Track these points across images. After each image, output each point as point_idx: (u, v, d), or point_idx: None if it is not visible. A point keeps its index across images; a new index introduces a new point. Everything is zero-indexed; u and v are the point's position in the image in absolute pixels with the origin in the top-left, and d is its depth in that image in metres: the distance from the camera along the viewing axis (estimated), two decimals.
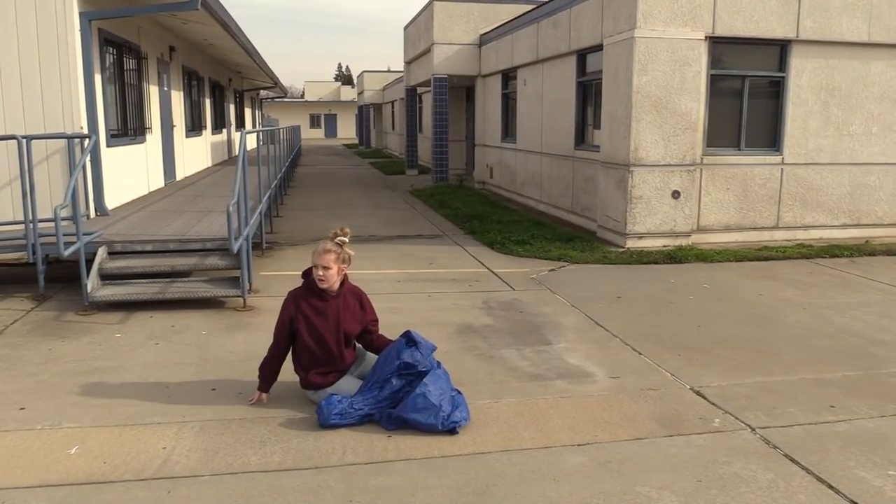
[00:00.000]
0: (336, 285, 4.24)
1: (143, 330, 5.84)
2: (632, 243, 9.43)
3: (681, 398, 4.48)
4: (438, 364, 4.21)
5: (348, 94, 64.84)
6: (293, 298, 4.25)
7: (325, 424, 3.95)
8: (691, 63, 9.31)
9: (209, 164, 18.09)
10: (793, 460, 3.65)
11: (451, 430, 3.90)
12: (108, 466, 3.52)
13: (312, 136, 61.28)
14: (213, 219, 8.45)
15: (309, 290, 4.24)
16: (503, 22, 15.95)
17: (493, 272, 8.12)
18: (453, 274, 8.02)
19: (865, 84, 10.12)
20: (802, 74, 9.90)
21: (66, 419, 4.08)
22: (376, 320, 4.46)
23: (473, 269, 8.26)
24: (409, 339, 4.15)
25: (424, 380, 4.03)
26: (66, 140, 7.74)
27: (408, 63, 22.29)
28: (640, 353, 5.35)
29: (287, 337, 4.24)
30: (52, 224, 6.15)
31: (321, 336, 4.18)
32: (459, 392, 4.18)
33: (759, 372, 4.96)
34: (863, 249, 9.47)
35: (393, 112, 35.10)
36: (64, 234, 6.19)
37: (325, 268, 4.14)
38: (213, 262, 6.96)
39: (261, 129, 14.33)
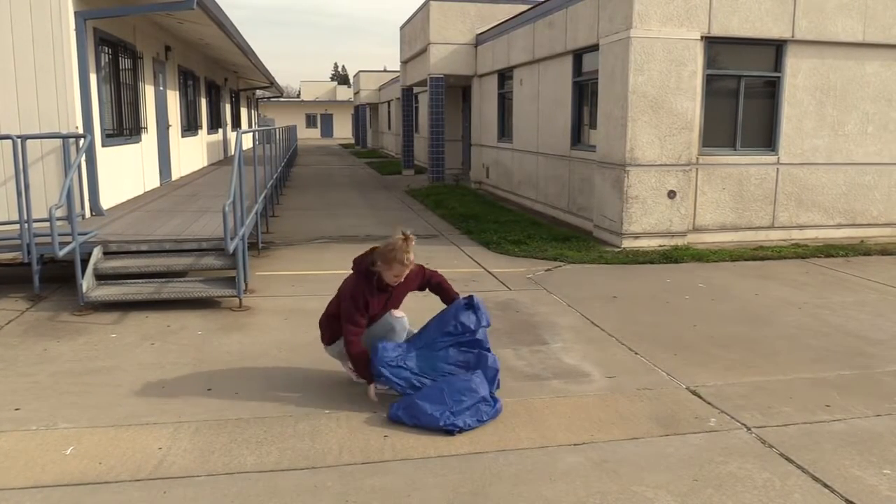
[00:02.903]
0: None
1: (139, 330, 5.83)
2: (628, 243, 9.44)
3: (677, 398, 4.49)
4: (488, 349, 4.31)
5: (344, 93, 64.78)
6: (362, 291, 4.24)
7: (376, 365, 4.13)
8: (687, 63, 9.32)
9: (205, 163, 18.06)
10: (788, 459, 3.66)
11: (449, 431, 3.90)
12: (104, 467, 3.52)
13: (308, 135, 61.22)
14: (209, 219, 8.43)
15: (370, 283, 4.28)
16: (499, 22, 15.95)
17: (489, 272, 8.13)
18: (450, 274, 7.93)
19: (860, 84, 10.14)
20: (798, 74, 9.93)
21: (61, 420, 4.07)
22: (434, 274, 4.63)
23: (470, 269, 8.27)
24: (469, 304, 4.31)
25: (456, 377, 4.11)
26: (61, 140, 7.72)
27: (404, 63, 22.28)
28: (636, 353, 5.35)
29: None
30: (48, 224, 6.13)
31: (369, 321, 4.35)
32: (493, 399, 4.14)
33: (754, 371, 4.97)
34: (858, 249, 9.50)
35: (389, 112, 35.08)
36: (59, 234, 6.18)
37: (404, 275, 4.28)
38: (209, 263, 6.95)
39: (257, 128, 14.31)
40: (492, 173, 16.79)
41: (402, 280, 4.33)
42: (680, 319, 6.29)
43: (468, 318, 4.27)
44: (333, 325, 4.48)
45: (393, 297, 4.44)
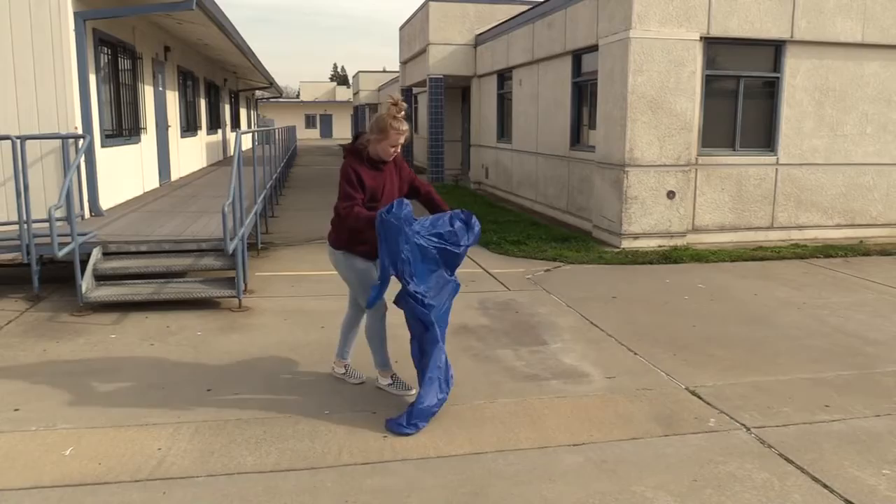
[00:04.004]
0: None
1: (138, 331, 5.83)
2: (627, 243, 9.44)
3: (676, 398, 4.50)
4: (458, 261, 4.19)
5: (344, 94, 64.76)
6: (354, 167, 4.18)
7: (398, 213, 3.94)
8: (686, 63, 9.33)
9: (204, 164, 18.05)
10: (788, 460, 3.66)
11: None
12: (103, 468, 3.52)
13: (308, 136, 61.17)
14: (209, 219, 8.43)
15: (360, 160, 4.21)
16: (499, 22, 15.96)
17: (488, 272, 8.13)
18: None
19: (859, 84, 10.15)
20: (797, 75, 9.94)
21: (60, 420, 4.07)
22: (425, 183, 4.56)
23: (469, 270, 8.26)
24: (467, 220, 4.20)
25: (434, 377, 4.09)
26: (60, 140, 7.72)
27: (403, 63, 22.28)
28: (635, 353, 5.36)
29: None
30: (47, 224, 6.13)
31: (377, 200, 4.21)
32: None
33: (753, 371, 4.98)
34: (857, 249, 9.51)
35: None
36: (58, 235, 6.18)
37: (400, 143, 4.20)
38: (208, 263, 6.95)
39: (256, 129, 14.30)
40: (491, 174, 16.79)
41: (397, 152, 4.23)
42: (679, 320, 6.29)
43: (462, 231, 4.16)
44: (342, 224, 4.33)
45: (385, 176, 4.28)
